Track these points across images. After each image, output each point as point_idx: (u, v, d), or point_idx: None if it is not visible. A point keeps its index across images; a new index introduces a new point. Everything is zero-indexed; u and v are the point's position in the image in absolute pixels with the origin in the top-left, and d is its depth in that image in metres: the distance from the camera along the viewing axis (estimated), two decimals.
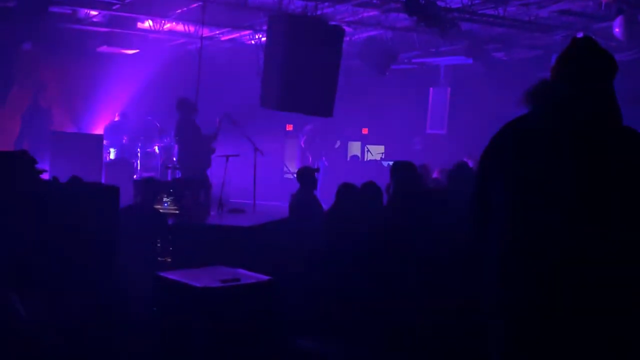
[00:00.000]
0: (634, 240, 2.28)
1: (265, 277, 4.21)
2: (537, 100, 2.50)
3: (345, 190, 5.64)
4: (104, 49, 12.23)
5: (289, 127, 14.76)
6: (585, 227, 2.30)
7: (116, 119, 12.51)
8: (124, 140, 12.19)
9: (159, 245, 7.02)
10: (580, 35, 2.51)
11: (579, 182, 2.34)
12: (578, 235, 2.31)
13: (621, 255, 2.28)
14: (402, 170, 5.23)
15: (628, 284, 2.28)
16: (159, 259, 7.01)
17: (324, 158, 15.25)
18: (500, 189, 2.52)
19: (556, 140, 2.40)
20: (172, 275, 4.13)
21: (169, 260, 7.07)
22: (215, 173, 9.85)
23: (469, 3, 9.78)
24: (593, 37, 2.53)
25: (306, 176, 7.22)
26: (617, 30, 8.97)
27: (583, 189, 2.33)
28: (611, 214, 2.30)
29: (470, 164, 9.48)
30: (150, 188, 7.27)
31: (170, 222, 7.35)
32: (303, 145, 13.70)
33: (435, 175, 7.84)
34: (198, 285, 3.87)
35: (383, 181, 6.06)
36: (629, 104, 2.81)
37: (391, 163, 5.70)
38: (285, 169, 12.62)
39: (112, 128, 12.36)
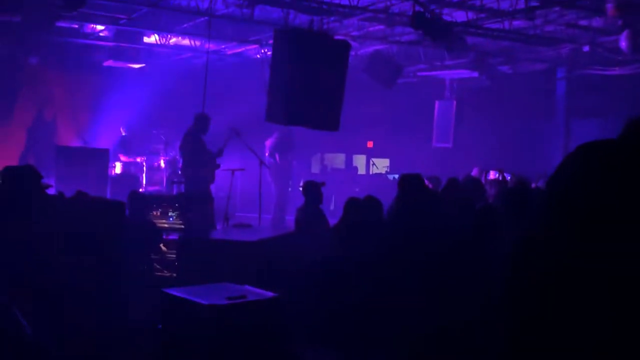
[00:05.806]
0: None
1: (271, 294, 4.17)
2: (627, 127, 2.08)
3: (352, 205, 5.63)
4: (110, 63, 12.25)
5: None
6: None
7: (123, 133, 12.43)
8: (130, 154, 12.18)
9: (155, 257, 7.00)
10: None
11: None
12: None
13: None
14: (411, 182, 5.22)
15: None
16: (156, 273, 6.99)
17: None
18: None
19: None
20: (177, 292, 4.10)
21: (167, 273, 7.06)
22: (221, 186, 9.83)
23: (475, 17, 9.78)
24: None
25: (311, 190, 7.19)
26: (623, 43, 8.98)
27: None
28: None
29: (482, 177, 9.48)
30: (139, 201, 7.25)
31: (175, 236, 7.33)
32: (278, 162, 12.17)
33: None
34: (204, 302, 3.83)
35: (386, 195, 6.05)
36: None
37: (397, 176, 5.71)
38: (290, 182, 12.55)
39: (120, 142, 12.31)
